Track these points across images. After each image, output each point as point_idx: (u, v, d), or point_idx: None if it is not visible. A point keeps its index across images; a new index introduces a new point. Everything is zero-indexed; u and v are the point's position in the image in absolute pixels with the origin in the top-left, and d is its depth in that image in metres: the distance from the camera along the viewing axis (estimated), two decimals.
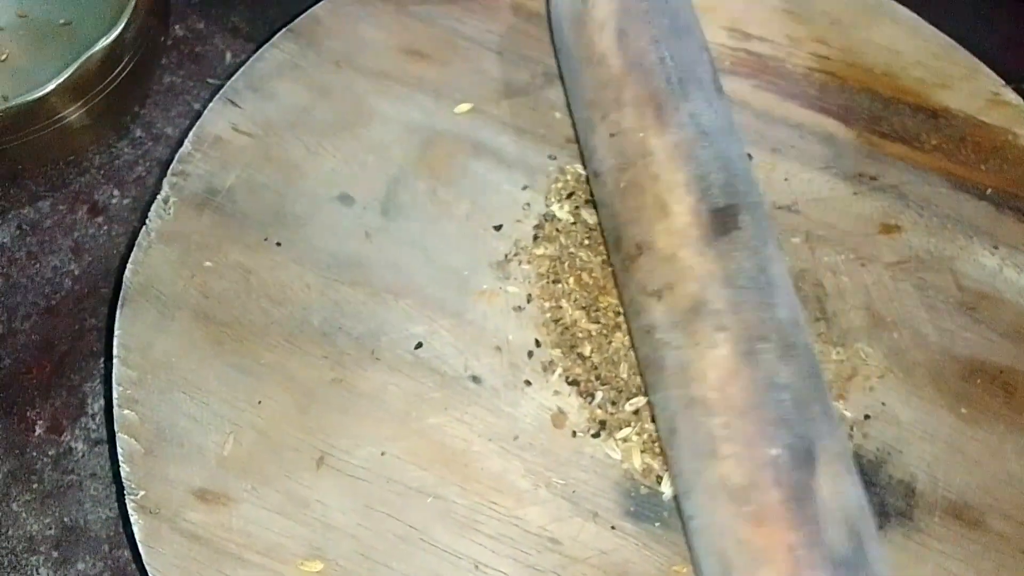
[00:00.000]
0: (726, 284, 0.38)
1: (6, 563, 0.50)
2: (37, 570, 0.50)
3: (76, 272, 0.57)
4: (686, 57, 0.43)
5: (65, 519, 0.51)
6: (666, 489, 0.43)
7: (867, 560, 0.35)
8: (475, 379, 0.44)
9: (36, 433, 0.53)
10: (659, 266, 0.40)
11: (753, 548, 0.35)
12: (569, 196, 0.48)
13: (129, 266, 0.46)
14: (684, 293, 0.39)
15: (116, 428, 0.43)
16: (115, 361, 0.44)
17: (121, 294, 0.45)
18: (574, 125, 0.49)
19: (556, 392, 0.44)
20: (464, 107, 0.50)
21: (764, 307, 0.38)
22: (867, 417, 0.45)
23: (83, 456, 0.52)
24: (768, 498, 0.35)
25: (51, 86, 0.49)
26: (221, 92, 0.50)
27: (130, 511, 0.41)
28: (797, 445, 0.36)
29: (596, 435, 0.43)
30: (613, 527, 0.42)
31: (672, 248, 0.40)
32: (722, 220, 0.39)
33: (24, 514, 0.51)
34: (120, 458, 0.42)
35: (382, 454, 0.43)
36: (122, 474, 0.42)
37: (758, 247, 0.39)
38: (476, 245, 0.47)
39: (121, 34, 0.50)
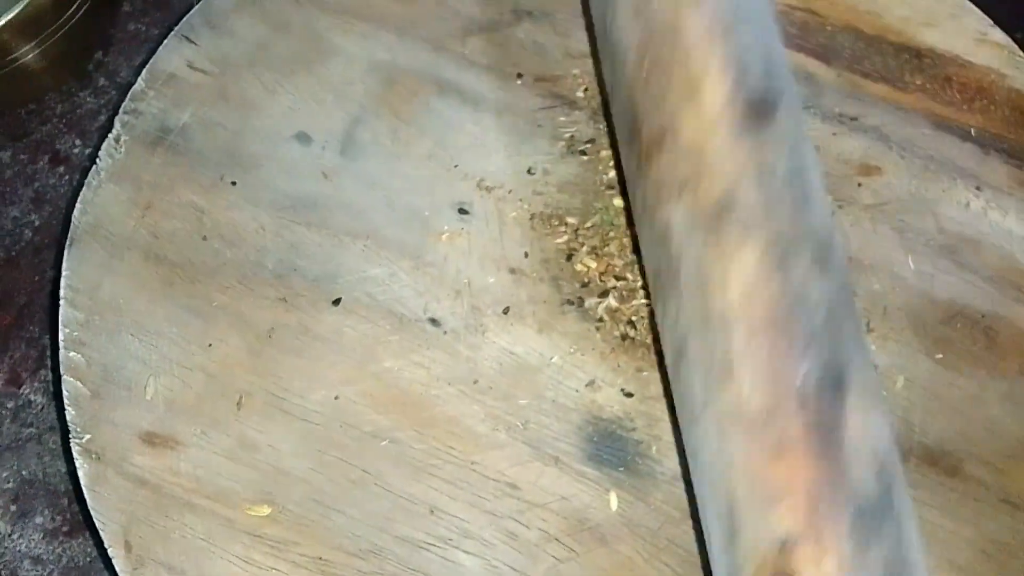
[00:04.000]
0: (760, 181, 0.33)
1: None
2: None
3: (36, 223, 0.55)
4: None
5: (23, 472, 0.50)
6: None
7: (894, 509, 0.31)
8: (434, 322, 0.43)
9: None
10: (683, 158, 0.35)
11: (767, 483, 0.30)
12: None
13: (78, 206, 0.45)
14: (711, 189, 0.33)
15: (62, 370, 0.41)
16: (62, 302, 0.43)
17: (69, 234, 0.44)
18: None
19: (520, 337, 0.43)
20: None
21: (800, 212, 0.33)
22: None
23: (42, 409, 0.51)
24: (790, 426, 0.30)
25: (1, 21, 0.47)
26: (176, 28, 0.48)
27: (75, 455, 0.40)
28: (828, 368, 0.31)
29: None
30: (574, 472, 0.40)
31: (700, 138, 0.34)
32: (760, 109, 0.33)
33: None
34: (65, 401, 0.41)
35: (336, 398, 0.41)
36: (67, 417, 0.41)
37: (796, 146, 0.34)
38: (438, 186, 0.46)
39: None
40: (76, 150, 0.57)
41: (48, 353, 0.52)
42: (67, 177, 0.56)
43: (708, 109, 0.34)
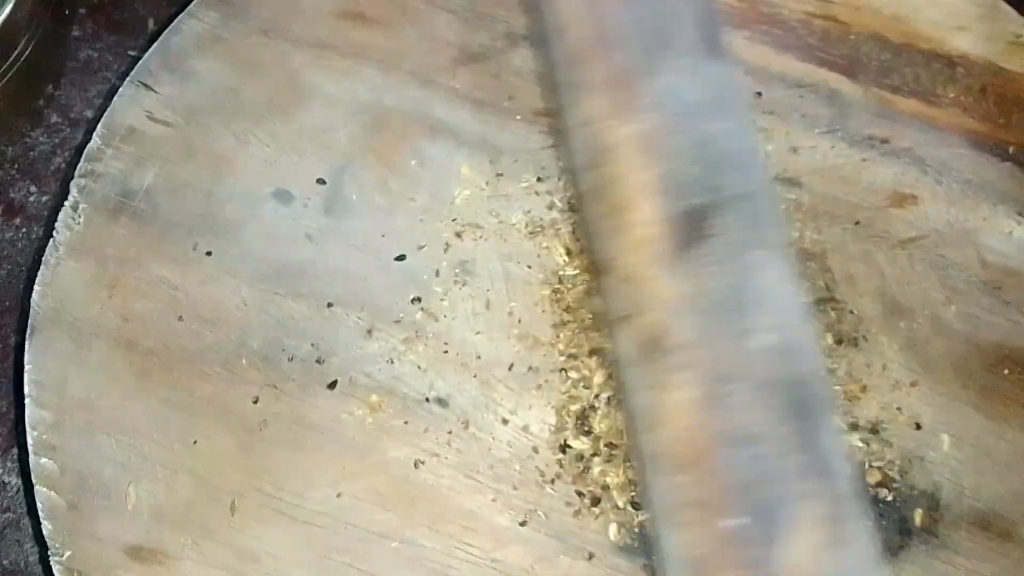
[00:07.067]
0: (693, 311, 0.33)
1: None
2: None
3: None
4: (668, 12, 0.36)
5: (4, 562, 0.47)
6: None
7: None
8: (441, 402, 0.39)
9: None
10: (622, 288, 0.35)
11: None
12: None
13: (36, 288, 0.41)
14: (645, 323, 0.34)
15: (34, 480, 0.38)
16: (27, 401, 0.39)
17: (29, 322, 0.40)
18: None
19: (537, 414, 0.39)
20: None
21: (736, 336, 0.33)
22: (882, 422, 0.40)
23: (18, 491, 0.47)
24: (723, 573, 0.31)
25: None
26: (132, 74, 0.44)
27: (55, 575, 0.37)
28: (760, 513, 0.31)
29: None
30: (606, 566, 0.37)
31: (634, 265, 0.34)
32: (692, 227, 0.33)
33: None
34: (40, 515, 0.38)
35: (338, 496, 0.38)
36: (44, 532, 0.37)
37: (734, 256, 0.33)
38: (435, 244, 0.42)
39: (11, 13, 0.43)
40: (32, 198, 0.52)
41: (18, 428, 0.48)
42: (24, 230, 0.52)
43: (639, 235, 0.34)
